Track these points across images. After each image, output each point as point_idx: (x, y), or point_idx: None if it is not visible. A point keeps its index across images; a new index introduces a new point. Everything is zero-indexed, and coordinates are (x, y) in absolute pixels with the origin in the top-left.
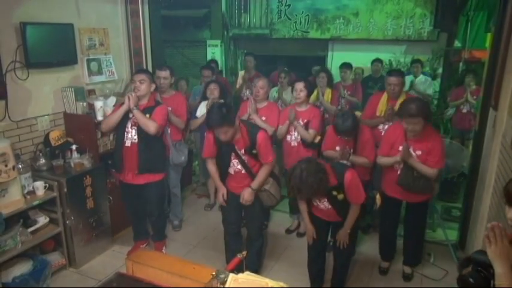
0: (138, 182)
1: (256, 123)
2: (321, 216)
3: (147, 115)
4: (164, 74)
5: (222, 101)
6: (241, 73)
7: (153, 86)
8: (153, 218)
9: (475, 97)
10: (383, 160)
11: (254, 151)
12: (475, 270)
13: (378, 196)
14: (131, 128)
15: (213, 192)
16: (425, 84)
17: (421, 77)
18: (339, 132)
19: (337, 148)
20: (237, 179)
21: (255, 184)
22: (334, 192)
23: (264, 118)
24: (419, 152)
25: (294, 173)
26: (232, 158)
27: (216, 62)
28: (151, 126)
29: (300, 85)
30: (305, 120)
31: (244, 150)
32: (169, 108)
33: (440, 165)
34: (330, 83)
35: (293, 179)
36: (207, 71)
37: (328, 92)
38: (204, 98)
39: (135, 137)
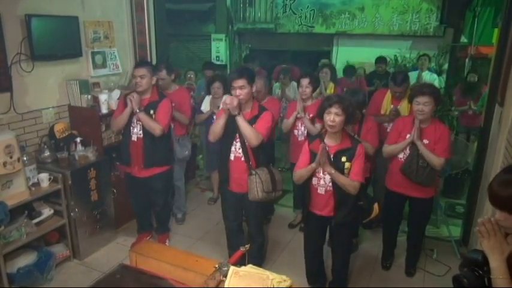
0: (144, 176)
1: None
2: (316, 210)
3: (151, 111)
4: (160, 74)
5: None
6: None
7: (155, 79)
8: (158, 209)
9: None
10: (390, 148)
11: (254, 125)
12: (470, 269)
13: (376, 206)
14: (136, 123)
15: (217, 186)
16: (432, 79)
17: (427, 72)
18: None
19: None
20: (237, 168)
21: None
22: (344, 159)
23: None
24: (426, 141)
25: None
26: (235, 139)
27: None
28: (156, 129)
29: (305, 81)
30: (311, 115)
31: (251, 113)
32: (173, 104)
33: (447, 155)
34: (333, 77)
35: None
36: (208, 71)
37: (331, 87)
38: (209, 92)
39: (140, 132)
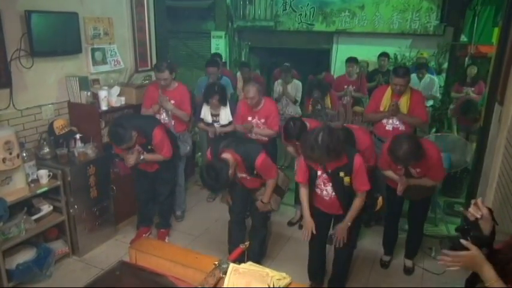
0: (151, 170)
1: (261, 134)
2: (322, 208)
3: (149, 146)
4: (164, 75)
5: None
6: (239, 76)
7: (135, 135)
8: (162, 198)
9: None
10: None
11: (255, 172)
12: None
13: (380, 199)
14: None
15: None
16: (430, 86)
17: (426, 78)
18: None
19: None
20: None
21: (265, 198)
22: (341, 174)
23: (263, 120)
24: (418, 169)
25: (311, 134)
26: None
27: (219, 55)
28: (165, 159)
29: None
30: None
31: (246, 173)
32: (173, 102)
33: (440, 178)
34: (326, 92)
35: (309, 139)
36: (212, 68)
37: (327, 100)
38: (206, 100)
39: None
